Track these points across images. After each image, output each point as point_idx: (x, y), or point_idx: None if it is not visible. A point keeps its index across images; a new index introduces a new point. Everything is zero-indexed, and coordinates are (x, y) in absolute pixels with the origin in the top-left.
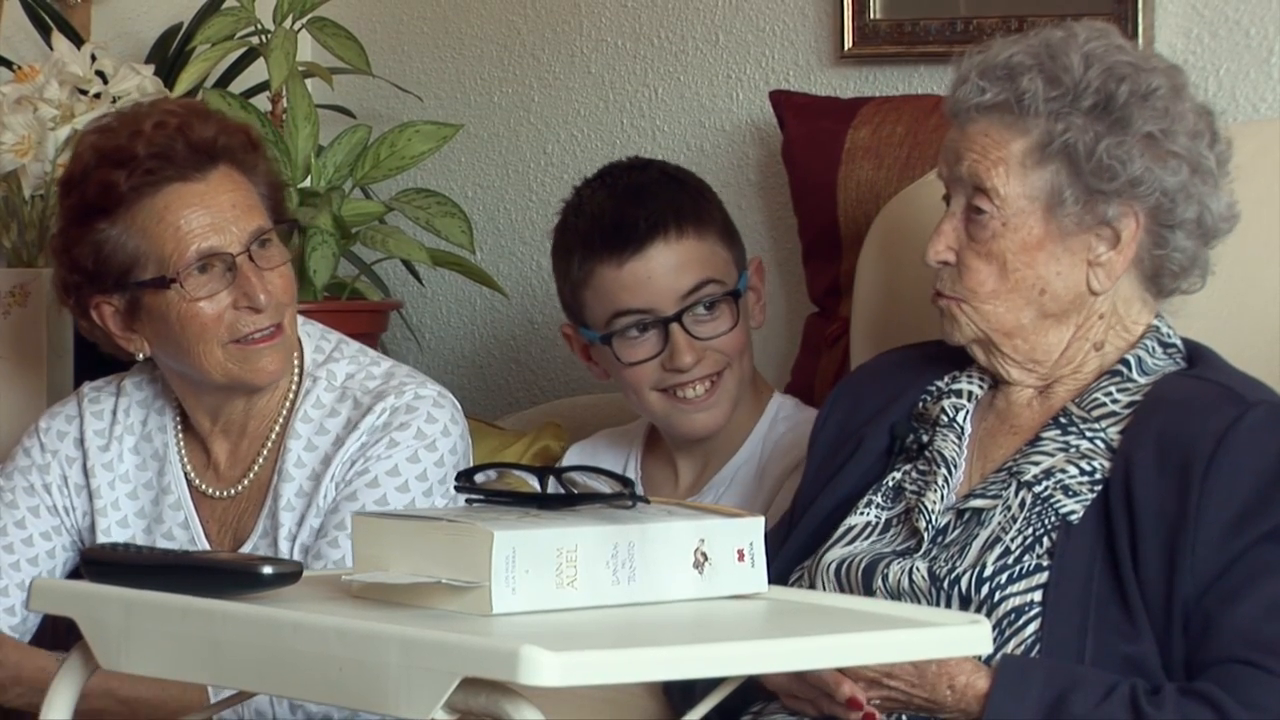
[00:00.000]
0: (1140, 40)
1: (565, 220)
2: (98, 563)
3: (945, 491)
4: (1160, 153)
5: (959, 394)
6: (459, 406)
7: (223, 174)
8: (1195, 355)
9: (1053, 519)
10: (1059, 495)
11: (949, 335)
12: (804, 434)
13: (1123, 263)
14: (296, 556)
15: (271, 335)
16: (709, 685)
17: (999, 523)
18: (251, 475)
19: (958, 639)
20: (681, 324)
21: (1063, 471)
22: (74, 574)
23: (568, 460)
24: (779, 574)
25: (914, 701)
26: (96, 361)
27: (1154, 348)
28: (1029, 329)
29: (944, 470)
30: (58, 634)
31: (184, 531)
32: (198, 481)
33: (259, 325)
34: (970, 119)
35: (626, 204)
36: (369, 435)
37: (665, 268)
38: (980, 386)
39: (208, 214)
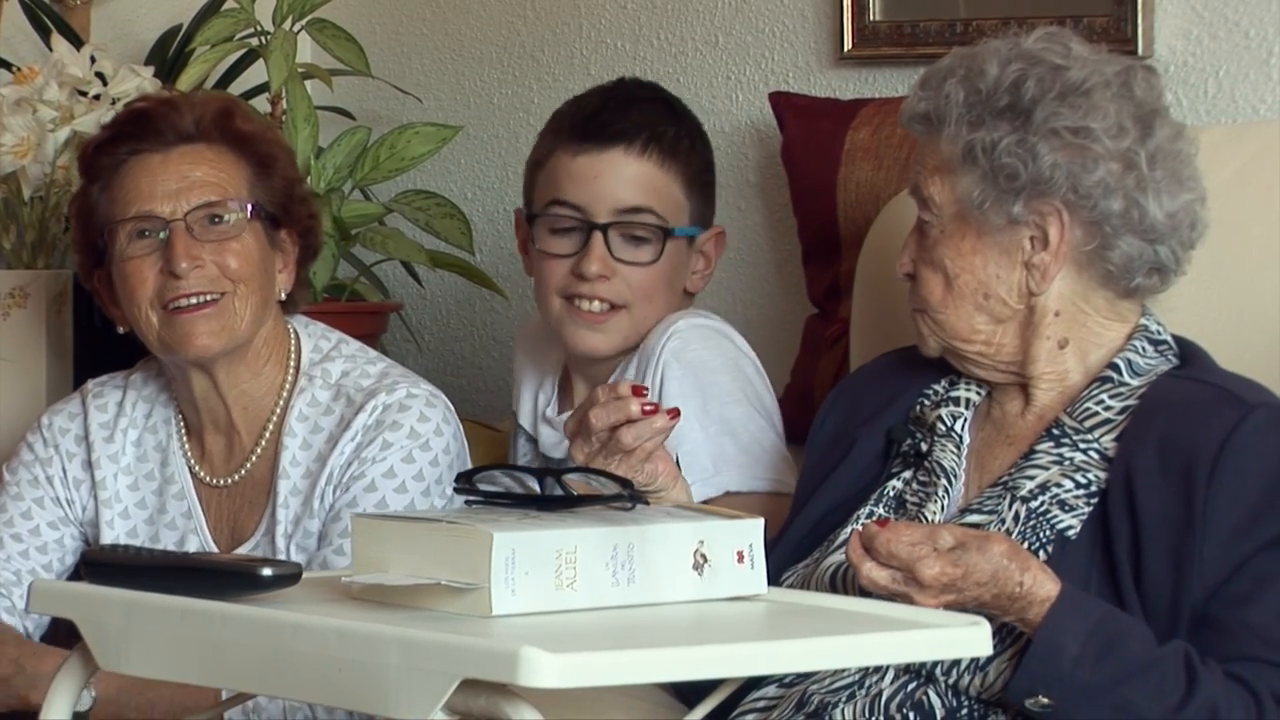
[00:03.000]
0: (1140, 42)
1: (559, 108)
2: (97, 564)
3: (945, 503)
4: (1073, 149)
5: (957, 401)
6: (451, 407)
7: (193, 151)
8: (1187, 354)
9: (1048, 533)
10: (1055, 510)
11: (921, 348)
12: (695, 326)
13: (1056, 262)
14: (293, 554)
15: (201, 306)
16: (714, 682)
17: None
18: (246, 468)
19: (958, 640)
20: (605, 235)
21: (1058, 486)
22: (75, 574)
23: (517, 348)
24: (771, 572)
25: (981, 599)
26: (96, 363)
27: (1144, 347)
28: (984, 334)
29: (944, 481)
30: (58, 631)
31: (186, 521)
32: (198, 469)
33: (181, 291)
34: (913, 129)
35: (613, 106)
36: (362, 435)
37: (614, 175)
38: (978, 393)
39: (155, 183)
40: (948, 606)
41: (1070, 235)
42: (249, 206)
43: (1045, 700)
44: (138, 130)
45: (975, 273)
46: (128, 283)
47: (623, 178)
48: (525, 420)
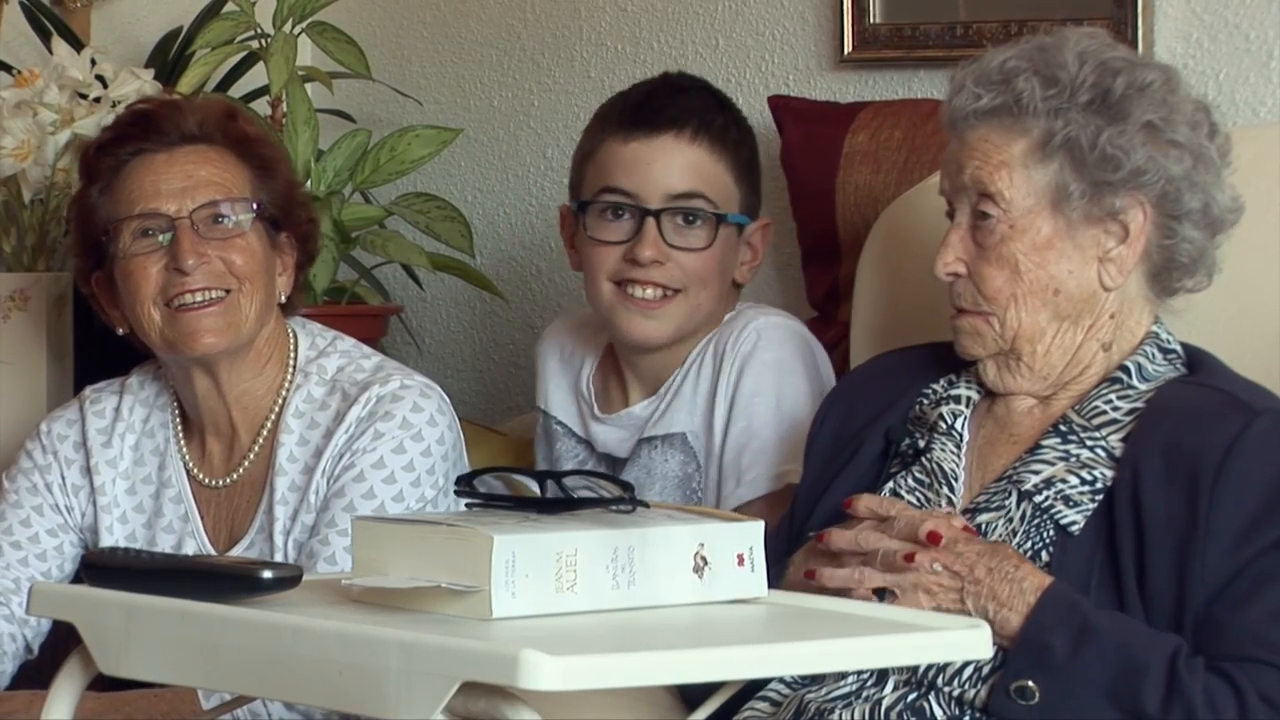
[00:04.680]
0: (1140, 45)
1: (606, 102)
2: (98, 567)
3: (944, 506)
4: (1162, 142)
5: (957, 400)
6: (446, 399)
7: (197, 151)
8: (1196, 361)
9: (1051, 532)
10: (1059, 505)
11: (968, 350)
12: (768, 324)
13: (1133, 256)
14: (291, 552)
15: (207, 304)
16: (716, 684)
17: (1000, 535)
18: (244, 467)
19: (958, 643)
20: (658, 220)
21: (1063, 481)
22: (74, 580)
23: (543, 348)
24: (779, 578)
25: (976, 572)
26: (96, 365)
27: (1154, 354)
28: (1047, 332)
29: (945, 488)
30: (56, 637)
31: (183, 524)
32: (196, 472)
33: (186, 287)
34: (969, 126)
35: (663, 94)
36: (355, 427)
37: (666, 161)
38: (978, 391)
39: (160, 181)
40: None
41: (1147, 229)
42: (254, 205)
43: (1031, 686)
44: (141, 130)
45: (1048, 267)
46: (131, 279)
47: (674, 163)
48: (570, 420)
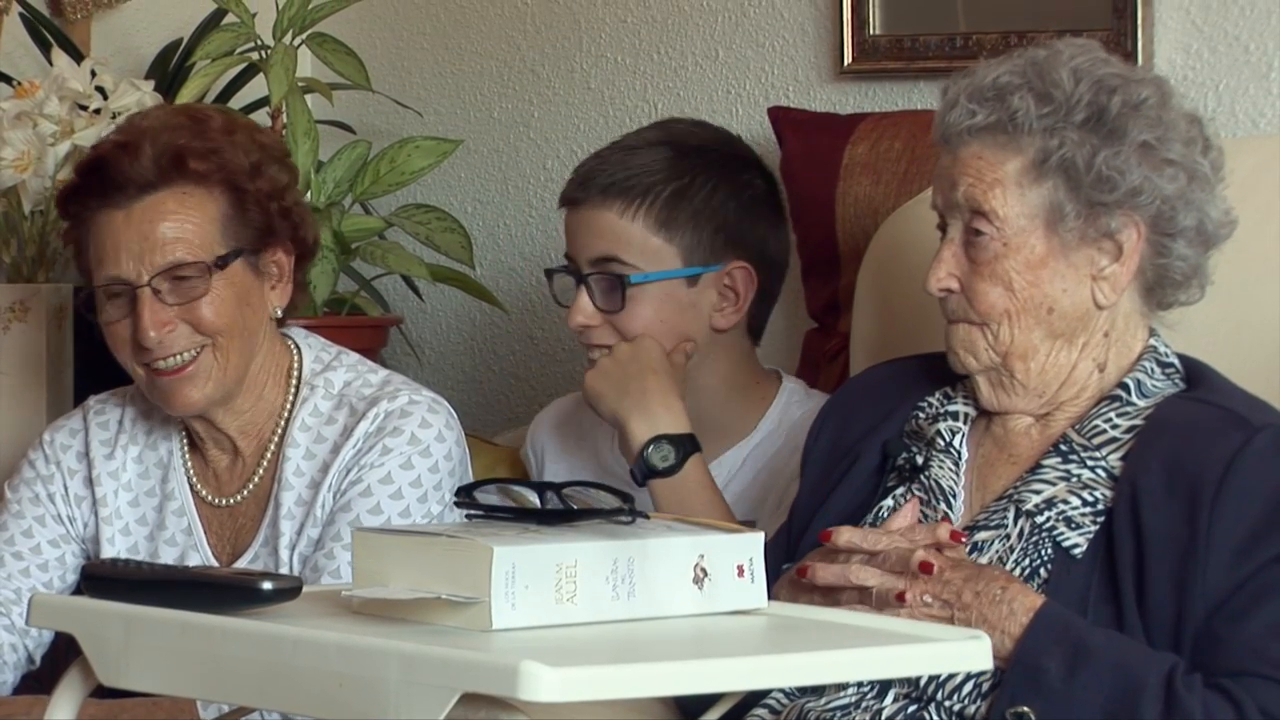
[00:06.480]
0: (1139, 56)
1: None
2: (97, 578)
3: (939, 519)
4: (1157, 161)
5: (955, 416)
6: (454, 414)
7: (155, 202)
8: (1194, 375)
9: (1049, 550)
10: (1061, 527)
11: (961, 364)
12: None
13: (1126, 274)
14: (296, 566)
15: (180, 369)
16: (716, 695)
17: (998, 553)
18: (251, 486)
19: (958, 654)
20: (588, 285)
21: (1065, 502)
22: (76, 591)
23: (540, 431)
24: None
25: (963, 598)
26: (96, 377)
27: (1152, 369)
28: (1041, 350)
29: (944, 505)
30: (57, 647)
31: (186, 537)
32: (200, 488)
33: (155, 356)
34: (962, 143)
35: (611, 155)
36: (364, 442)
37: (583, 228)
38: (974, 408)
39: (120, 243)
40: (931, 595)
41: (1140, 247)
42: (216, 259)
43: (1028, 712)
44: (97, 182)
45: (1042, 286)
46: (110, 341)
47: (588, 229)
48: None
